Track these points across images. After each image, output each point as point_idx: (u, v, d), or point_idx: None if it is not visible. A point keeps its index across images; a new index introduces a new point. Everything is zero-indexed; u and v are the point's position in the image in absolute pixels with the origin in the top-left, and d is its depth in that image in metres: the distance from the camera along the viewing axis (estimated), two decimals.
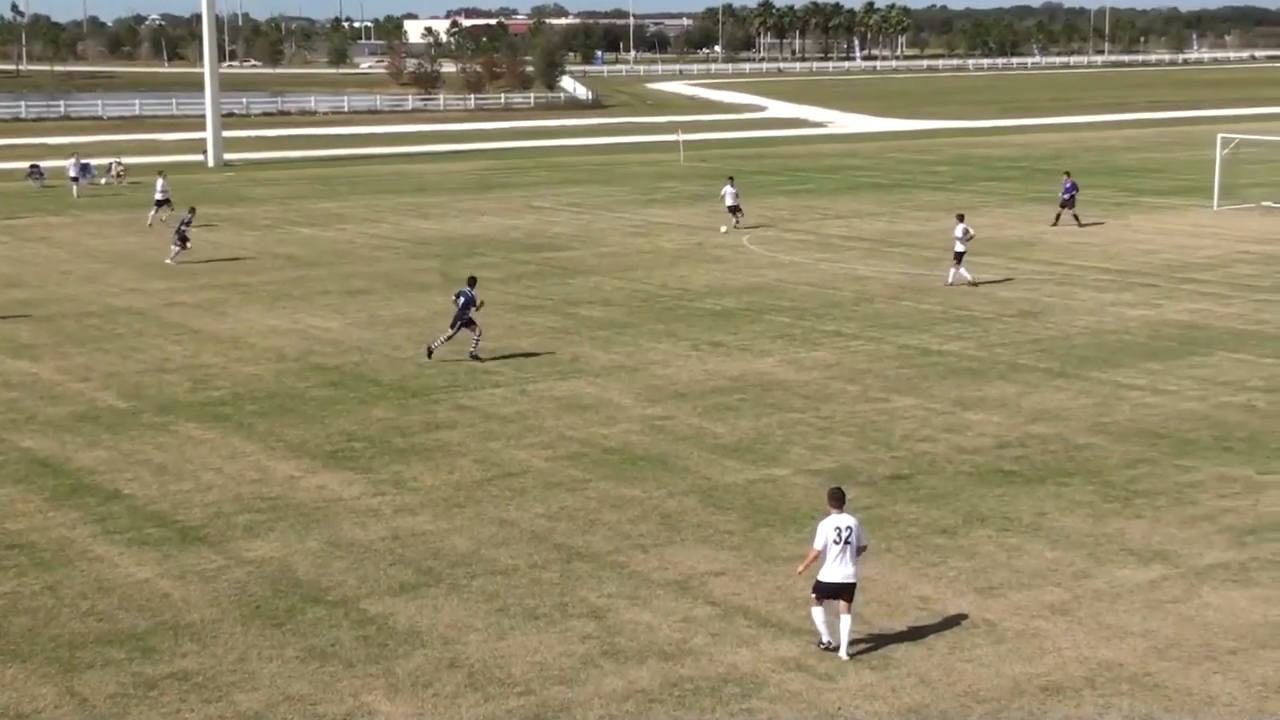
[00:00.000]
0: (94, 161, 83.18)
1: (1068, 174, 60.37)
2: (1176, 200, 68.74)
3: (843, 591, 18.29)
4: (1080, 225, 58.06)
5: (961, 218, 46.00)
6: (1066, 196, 58.75)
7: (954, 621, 19.60)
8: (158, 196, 61.78)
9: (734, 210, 58.93)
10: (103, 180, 79.29)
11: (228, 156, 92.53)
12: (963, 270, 45.16)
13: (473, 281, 35.72)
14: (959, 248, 44.97)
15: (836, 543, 18.20)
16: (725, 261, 50.38)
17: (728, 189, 59.45)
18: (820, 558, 18.32)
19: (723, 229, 52.39)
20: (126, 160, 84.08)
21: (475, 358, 34.98)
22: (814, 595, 18.55)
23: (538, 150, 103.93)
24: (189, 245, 50.99)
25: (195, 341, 38.00)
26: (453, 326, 35.20)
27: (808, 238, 56.90)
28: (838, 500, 18.64)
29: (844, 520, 18.34)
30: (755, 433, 28.86)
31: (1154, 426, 29.17)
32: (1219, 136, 68.20)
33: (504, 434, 28.88)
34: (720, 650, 18.70)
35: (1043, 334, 38.20)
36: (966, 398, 31.50)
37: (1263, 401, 31.10)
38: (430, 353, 35.13)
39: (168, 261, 50.33)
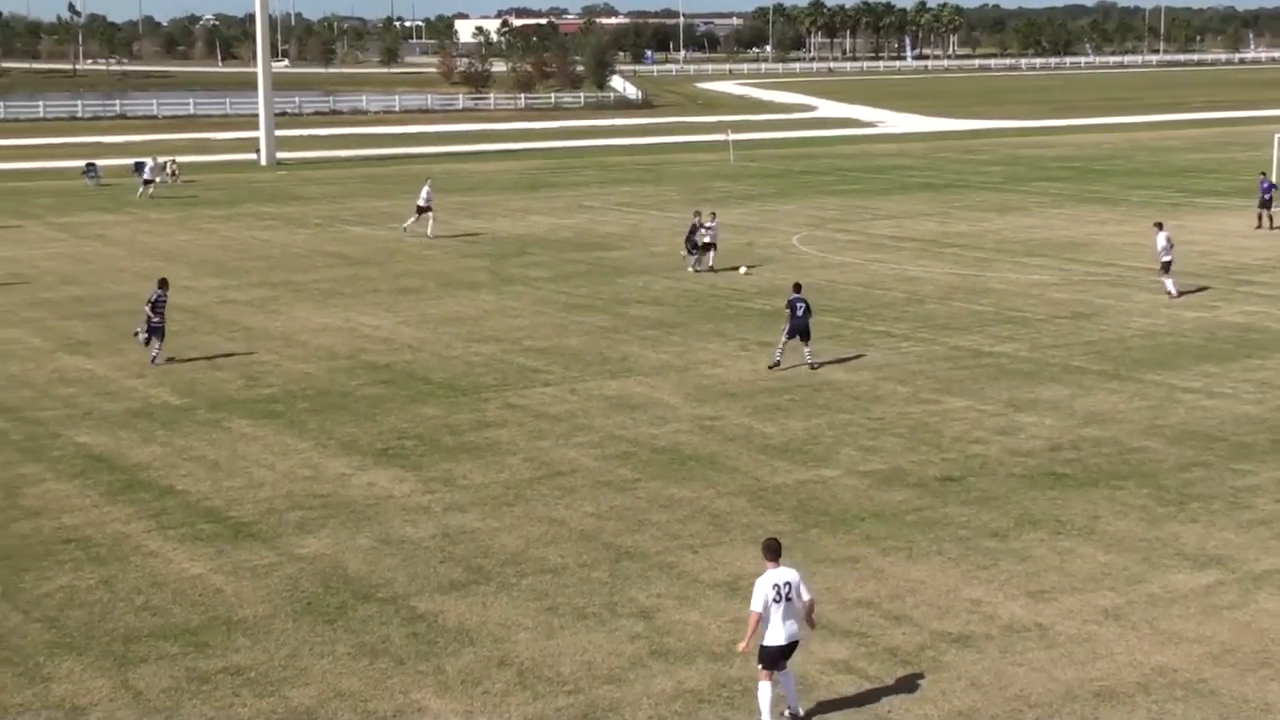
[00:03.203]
0: (150, 161, 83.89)
1: (1264, 174, 58.96)
2: (1233, 201, 68.12)
3: (786, 655, 16.62)
4: (1272, 227, 56.83)
5: (1160, 226, 44.06)
6: (1267, 196, 57.33)
7: (1005, 625, 19.48)
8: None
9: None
10: (157, 179, 79.76)
11: (280, 155, 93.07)
12: (1168, 280, 43.08)
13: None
14: (1165, 258, 43.02)
15: (777, 601, 16.35)
16: (775, 262, 50.27)
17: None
18: (761, 621, 16.44)
19: (742, 270, 47.58)
20: (181, 159, 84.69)
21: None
22: (760, 667, 16.66)
23: (587, 150, 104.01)
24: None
25: (248, 339, 38.23)
26: None
27: (858, 238, 56.73)
28: (773, 553, 16.66)
29: (781, 575, 16.49)
30: (805, 433, 28.79)
31: (1209, 430, 28.93)
32: (1276, 136, 67.61)
33: (553, 433, 28.92)
34: None
35: (1096, 335, 37.94)
36: (1019, 399, 31.33)
37: None
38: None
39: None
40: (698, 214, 50.13)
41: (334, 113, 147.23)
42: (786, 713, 16.94)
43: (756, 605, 16.44)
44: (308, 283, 47.10)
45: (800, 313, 33.85)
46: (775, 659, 16.61)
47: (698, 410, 30.61)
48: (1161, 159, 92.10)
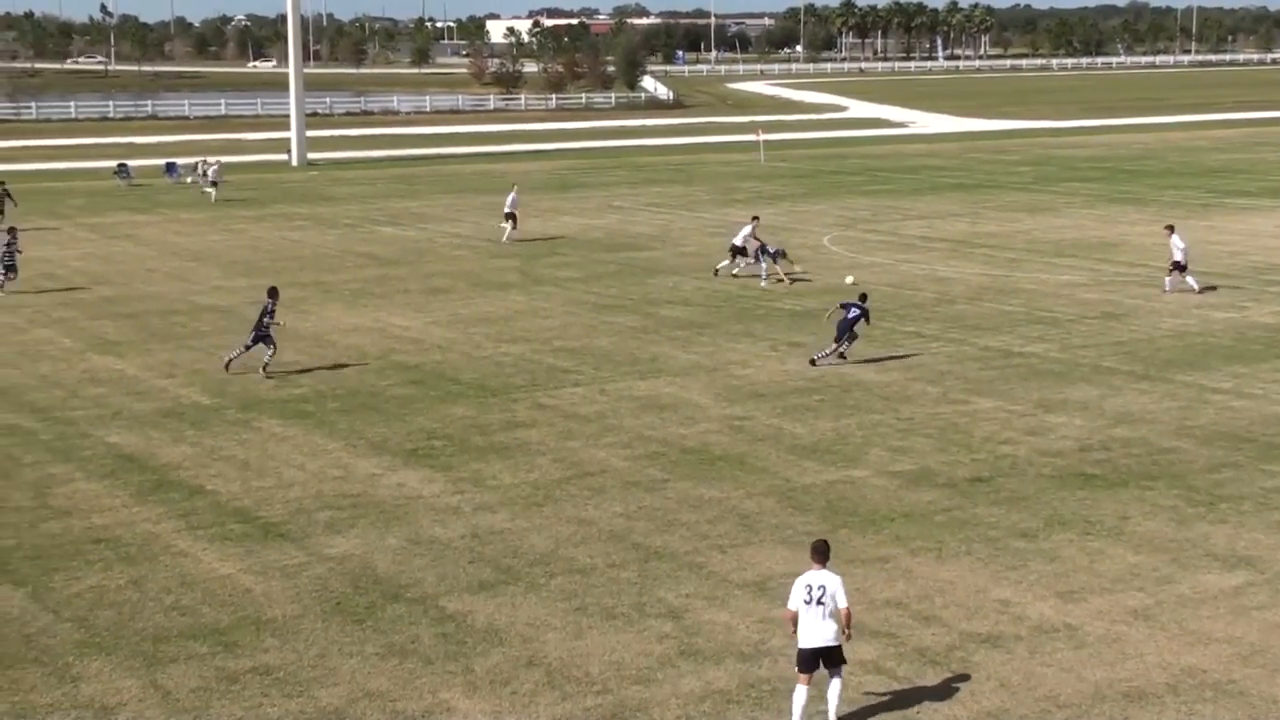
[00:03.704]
0: (181, 161, 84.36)
1: None
2: (1264, 201, 67.81)
3: (824, 658, 16.50)
4: None
5: (1171, 229, 44.46)
6: None
7: (1034, 625, 19.43)
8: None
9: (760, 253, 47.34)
10: (189, 179, 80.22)
11: (311, 156, 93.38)
12: (1189, 278, 43.31)
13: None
14: (1178, 256, 43.34)
15: (808, 603, 16.33)
16: (805, 262, 50.21)
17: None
18: (796, 620, 16.51)
19: (849, 280, 45.31)
20: (212, 160, 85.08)
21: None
22: (796, 669, 16.69)
23: (618, 150, 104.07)
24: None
25: (278, 339, 38.31)
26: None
27: (888, 238, 56.62)
28: (818, 555, 16.65)
29: (817, 578, 16.40)
30: (834, 433, 28.76)
31: (1239, 430, 28.79)
32: None
33: (583, 433, 28.95)
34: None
35: (1126, 336, 37.80)
36: (1049, 400, 31.23)
37: None
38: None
39: None
40: (756, 219, 48.52)
41: (365, 113, 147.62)
42: None
43: (790, 605, 16.53)
44: (338, 283, 47.25)
45: (851, 314, 34.35)
46: (806, 662, 16.53)
47: (727, 410, 30.60)
48: (1192, 159, 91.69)
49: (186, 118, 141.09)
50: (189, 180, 79.95)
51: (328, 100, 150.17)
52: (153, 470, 26.73)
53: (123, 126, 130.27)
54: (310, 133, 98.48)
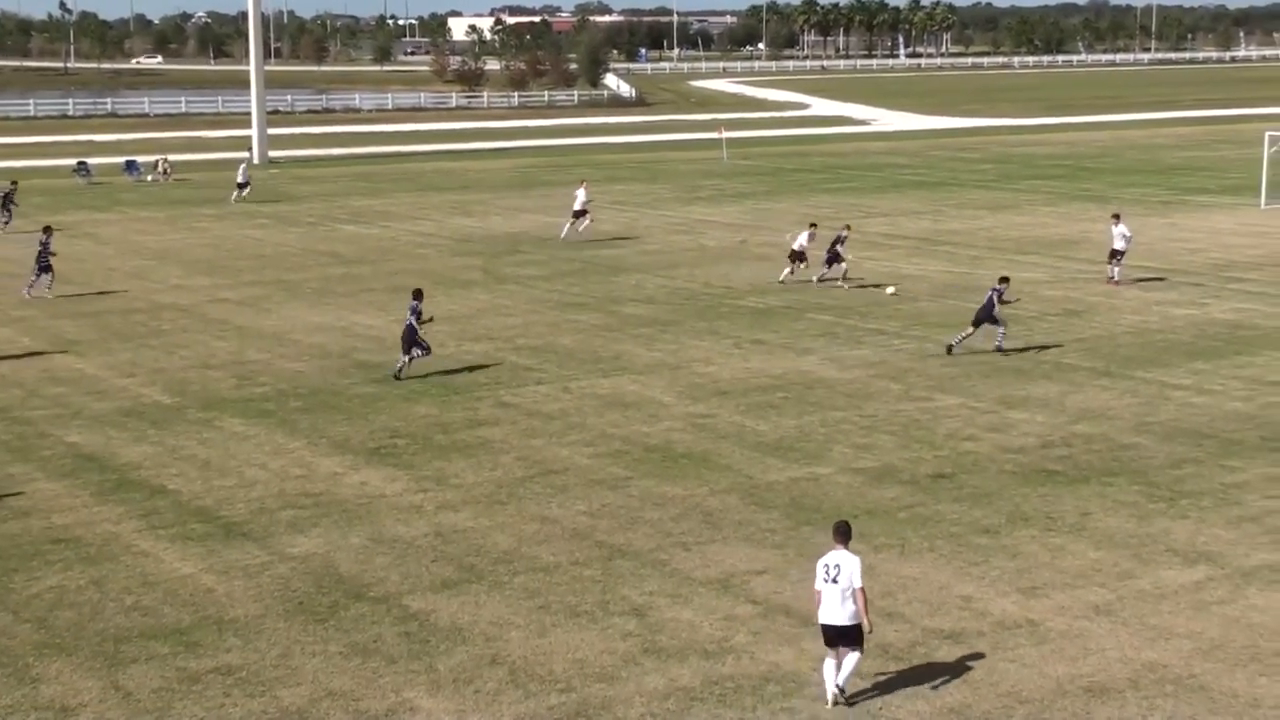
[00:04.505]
0: (141, 159, 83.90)
1: None
2: (1224, 199, 68.26)
3: (840, 637, 16.97)
4: None
5: (1118, 218, 45.74)
6: None
7: (997, 621, 19.51)
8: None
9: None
10: (149, 178, 79.79)
11: (272, 154, 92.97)
12: (1114, 266, 44.93)
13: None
14: (1118, 245, 44.75)
15: (826, 581, 16.90)
16: (768, 259, 50.27)
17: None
18: (819, 598, 17.09)
19: (890, 290, 43.02)
20: (173, 158, 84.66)
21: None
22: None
23: (581, 148, 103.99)
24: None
25: (239, 338, 38.20)
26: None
27: (851, 236, 56.61)
28: (840, 535, 17.14)
29: (834, 558, 16.92)
30: (798, 431, 28.81)
31: (1200, 426, 28.97)
32: (1266, 135, 67.61)
33: (546, 431, 28.92)
34: (762, 649, 18.67)
35: (1087, 333, 38.00)
36: (1010, 397, 31.36)
37: None
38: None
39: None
40: (848, 227, 47.44)
41: (327, 111, 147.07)
42: (832, 699, 17.11)
43: (816, 585, 17.09)
44: (300, 281, 47.08)
45: (987, 299, 35.21)
46: (827, 639, 17.07)
47: (691, 408, 30.62)
48: (1152, 157, 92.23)
49: (147, 115, 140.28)
50: (149, 178, 79.52)
51: (289, 98, 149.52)
52: (113, 470, 26.58)
53: (82, 124, 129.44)
54: (272, 130, 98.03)
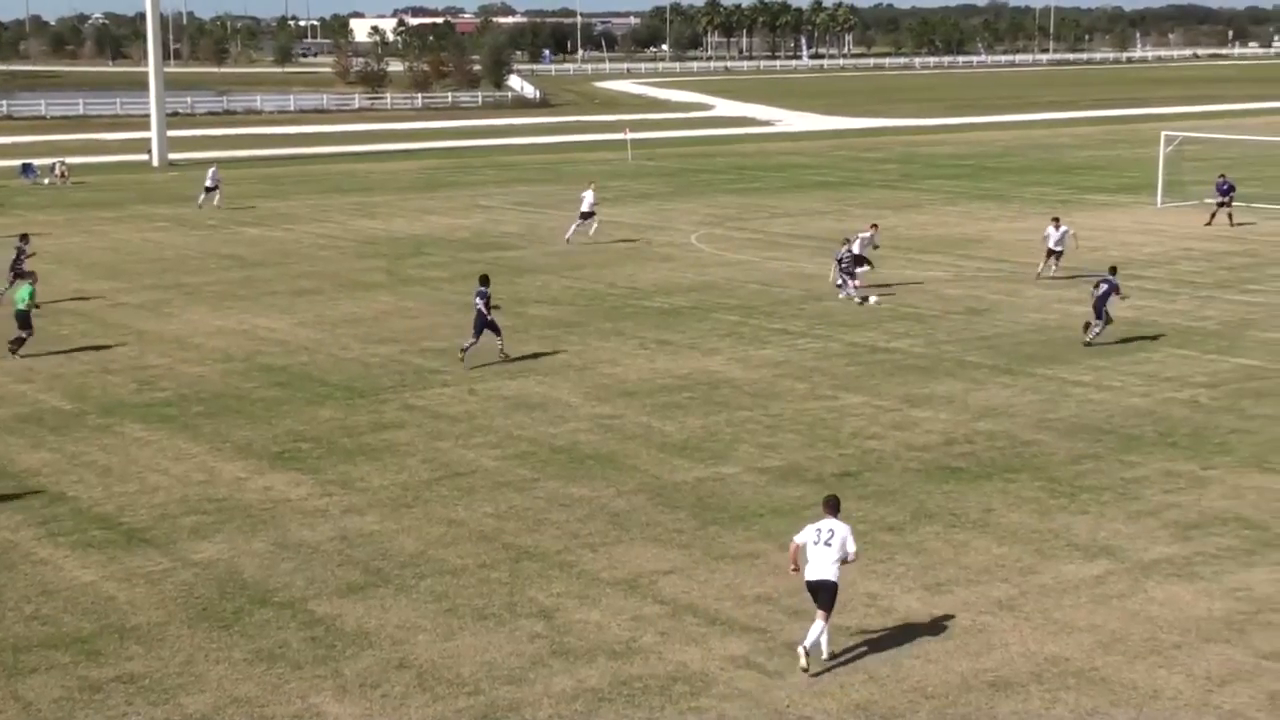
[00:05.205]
0: (38, 161, 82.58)
1: (1223, 175, 59.36)
2: (1121, 197, 69.26)
3: (817, 593, 17.99)
4: (1231, 225, 57.51)
5: (1057, 221, 46.48)
6: (1225, 198, 57.85)
7: (902, 618, 19.68)
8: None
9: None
10: (45, 181, 78.60)
11: (172, 156, 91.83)
12: (1047, 264, 45.85)
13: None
14: (1050, 244, 45.62)
15: (816, 543, 18.07)
16: (673, 260, 50.41)
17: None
18: (800, 555, 18.27)
19: (872, 300, 41.86)
20: (70, 160, 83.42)
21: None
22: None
23: (485, 149, 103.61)
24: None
25: (140, 342, 37.71)
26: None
27: (755, 236, 57.00)
28: (830, 506, 18.53)
29: (827, 524, 18.19)
30: (704, 431, 28.90)
31: (1099, 422, 29.39)
32: (1162, 134, 68.75)
33: (452, 434, 28.81)
34: (669, 649, 18.72)
35: (989, 330, 38.41)
36: (914, 395, 31.64)
37: (1206, 397, 31.38)
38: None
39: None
40: (874, 226, 46.41)
41: (228, 113, 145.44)
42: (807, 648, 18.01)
43: (796, 539, 18.41)
44: (202, 285, 46.56)
45: (1100, 290, 36.10)
46: (812, 593, 18.08)
47: (597, 409, 30.62)
48: (1052, 156, 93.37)
49: (43, 118, 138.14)
50: (46, 181, 78.33)
51: (189, 100, 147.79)
52: (11, 477, 26.15)
53: None
54: (171, 133, 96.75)
